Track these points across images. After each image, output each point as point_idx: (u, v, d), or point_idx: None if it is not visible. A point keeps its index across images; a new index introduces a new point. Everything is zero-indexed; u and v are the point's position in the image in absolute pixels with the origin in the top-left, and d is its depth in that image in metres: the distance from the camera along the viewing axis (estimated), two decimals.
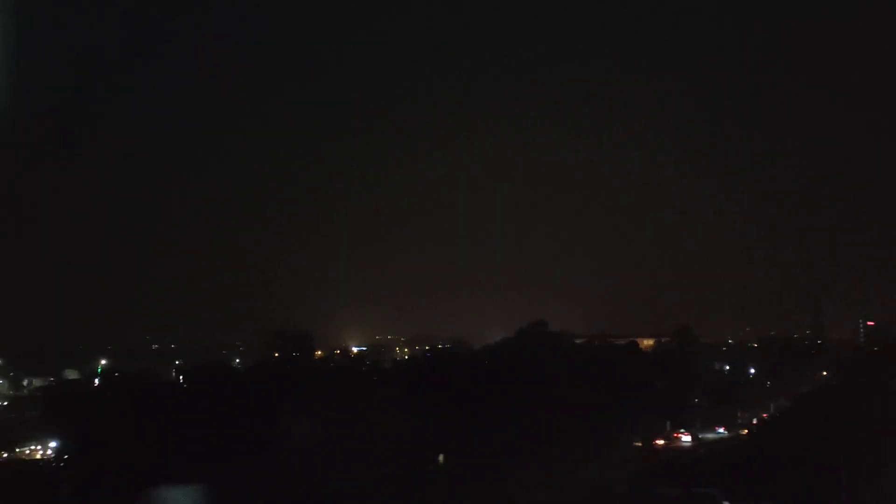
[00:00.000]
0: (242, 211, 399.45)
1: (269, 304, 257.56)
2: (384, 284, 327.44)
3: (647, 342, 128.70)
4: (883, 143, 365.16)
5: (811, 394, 69.03)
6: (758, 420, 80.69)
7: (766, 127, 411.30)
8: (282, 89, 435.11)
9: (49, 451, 77.31)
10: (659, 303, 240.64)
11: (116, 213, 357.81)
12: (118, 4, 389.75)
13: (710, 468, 57.08)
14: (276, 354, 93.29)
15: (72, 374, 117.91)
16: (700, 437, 78.99)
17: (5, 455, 75.66)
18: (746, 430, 74.81)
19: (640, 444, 71.28)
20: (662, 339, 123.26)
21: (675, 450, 72.68)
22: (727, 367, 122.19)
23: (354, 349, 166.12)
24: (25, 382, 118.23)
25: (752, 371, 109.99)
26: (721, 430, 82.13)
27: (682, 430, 78.26)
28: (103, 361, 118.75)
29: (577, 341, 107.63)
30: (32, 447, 78.18)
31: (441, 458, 62.15)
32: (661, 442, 73.99)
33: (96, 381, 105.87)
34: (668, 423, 79.24)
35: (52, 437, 76.68)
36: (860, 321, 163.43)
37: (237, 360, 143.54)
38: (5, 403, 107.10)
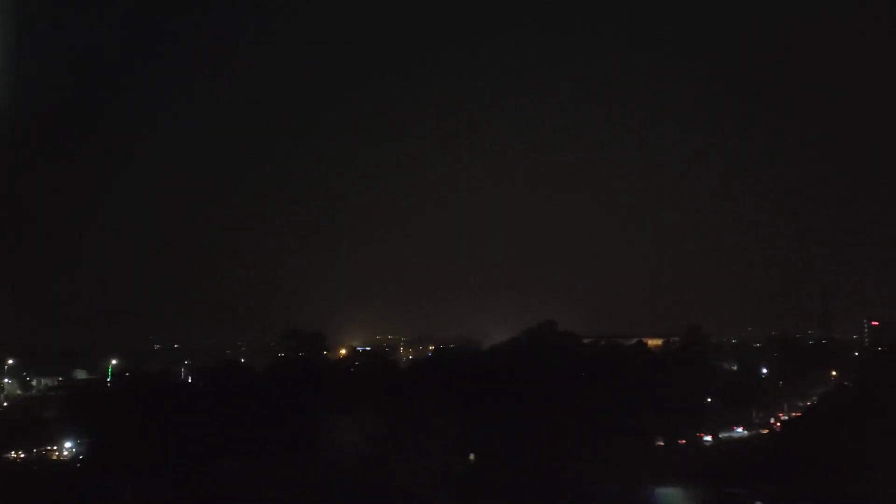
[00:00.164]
0: (242, 211, 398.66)
1: (268, 304, 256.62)
2: (383, 284, 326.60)
3: (655, 342, 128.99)
4: (883, 143, 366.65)
5: (834, 392, 69.24)
6: (775, 420, 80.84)
7: (767, 126, 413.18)
8: (282, 89, 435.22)
9: (65, 452, 77.10)
10: (658, 303, 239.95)
11: (116, 213, 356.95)
12: (118, 4, 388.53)
13: (737, 468, 56.97)
14: (283, 354, 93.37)
15: (81, 375, 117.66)
16: (720, 436, 79.02)
17: (23, 455, 74.89)
18: (767, 430, 74.87)
19: (662, 444, 71.27)
20: (671, 339, 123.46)
21: (697, 450, 72.62)
22: (735, 367, 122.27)
23: (360, 349, 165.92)
24: (34, 382, 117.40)
25: (765, 371, 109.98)
26: (740, 429, 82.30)
27: (702, 430, 78.19)
28: (114, 361, 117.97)
29: (584, 341, 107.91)
30: (49, 447, 77.53)
31: (472, 456, 62.02)
32: (682, 442, 73.98)
33: (108, 381, 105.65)
34: (687, 423, 79.09)
35: (71, 438, 76.67)
36: (864, 321, 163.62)
37: (242, 360, 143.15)
38: (5, 404, 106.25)
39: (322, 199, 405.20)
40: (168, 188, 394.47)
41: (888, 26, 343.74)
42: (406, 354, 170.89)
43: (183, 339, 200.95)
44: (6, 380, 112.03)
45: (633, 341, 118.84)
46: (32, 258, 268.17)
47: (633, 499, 51.67)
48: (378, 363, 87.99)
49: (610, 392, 69.23)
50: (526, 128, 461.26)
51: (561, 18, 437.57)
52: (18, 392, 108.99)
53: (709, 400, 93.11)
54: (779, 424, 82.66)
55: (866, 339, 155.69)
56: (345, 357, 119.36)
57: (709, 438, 77.31)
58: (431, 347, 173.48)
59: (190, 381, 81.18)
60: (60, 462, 73.11)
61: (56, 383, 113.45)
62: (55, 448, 78.04)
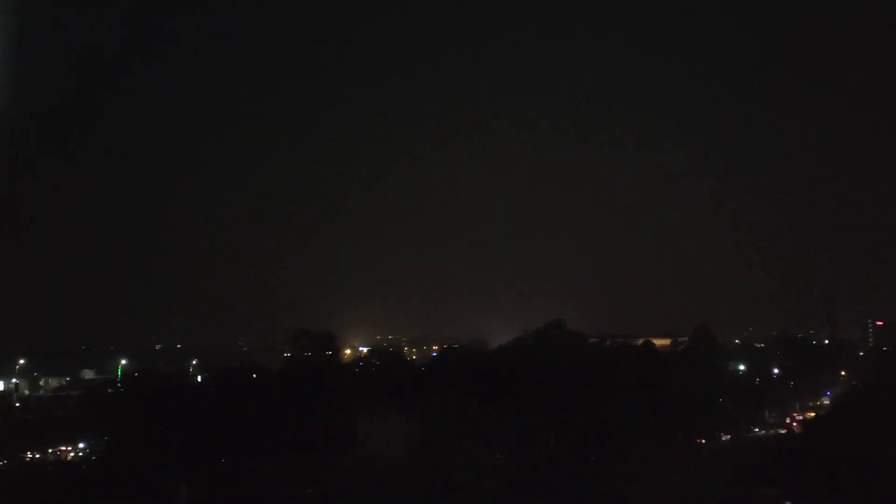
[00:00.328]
0: (242, 211, 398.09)
1: (268, 304, 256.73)
2: (383, 284, 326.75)
3: (662, 342, 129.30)
4: (884, 143, 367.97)
5: (851, 393, 69.42)
6: (790, 419, 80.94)
7: (767, 126, 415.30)
8: (282, 89, 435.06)
9: (80, 453, 76.63)
10: (658, 303, 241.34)
11: (116, 214, 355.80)
12: (118, 4, 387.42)
13: (763, 467, 56.94)
14: (294, 354, 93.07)
15: (88, 374, 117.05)
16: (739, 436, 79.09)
17: (38, 456, 74.40)
18: (785, 430, 74.99)
19: (681, 444, 71.30)
20: (678, 339, 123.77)
21: (719, 450, 72.67)
22: (741, 367, 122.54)
23: (364, 349, 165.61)
24: (41, 382, 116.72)
25: (775, 371, 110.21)
26: (756, 429, 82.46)
27: (720, 430, 78.29)
28: (123, 361, 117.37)
29: (591, 341, 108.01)
30: (64, 447, 77.07)
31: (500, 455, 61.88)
32: (702, 441, 74.08)
33: (119, 381, 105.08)
34: (705, 423, 79.19)
35: (86, 438, 76.27)
36: (869, 321, 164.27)
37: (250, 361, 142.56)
38: (17, 404, 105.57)
39: (322, 199, 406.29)
40: (168, 188, 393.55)
41: (888, 26, 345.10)
42: (409, 354, 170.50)
43: (183, 339, 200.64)
44: (14, 380, 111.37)
45: (640, 341, 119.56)
46: (32, 258, 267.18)
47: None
48: (393, 362, 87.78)
49: (629, 392, 69.50)
50: (526, 128, 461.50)
51: (561, 18, 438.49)
52: (27, 392, 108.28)
53: (720, 400, 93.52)
54: (795, 424, 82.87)
55: (871, 340, 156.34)
56: (354, 357, 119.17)
57: (728, 438, 77.40)
58: (435, 347, 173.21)
59: (206, 381, 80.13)
60: (79, 462, 72.39)
61: (64, 383, 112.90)
62: (70, 448, 77.52)
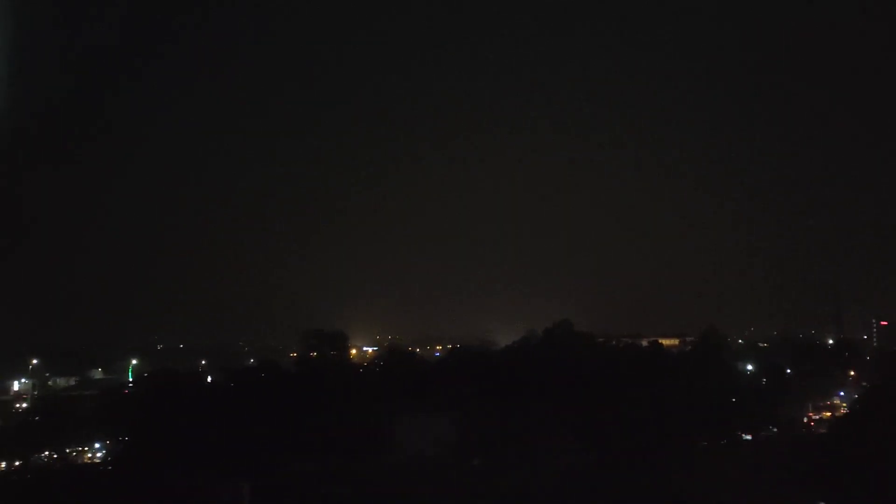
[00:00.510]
0: (242, 211, 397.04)
1: (268, 304, 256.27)
2: (383, 285, 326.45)
3: (670, 342, 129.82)
4: (886, 142, 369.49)
5: (870, 393, 69.44)
6: (808, 419, 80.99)
7: (767, 126, 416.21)
8: (282, 89, 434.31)
9: (98, 454, 76.18)
10: (658, 303, 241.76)
11: (116, 214, 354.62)
12: (118, 4, 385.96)
13: (797, 469, 56.41)
14: (306, 354, 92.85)
15: (97, 374, 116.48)
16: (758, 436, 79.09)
17: (55, 456, 73.88)
18: (805, 430, 75.12)
19: (706, 444, 71.38)
20: (687, 339, 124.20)
21: (742, 450, 72.56)
22: (749, 367, 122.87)
23: (369, 349, 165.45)
24: (49, 382, 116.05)
25: (788, 371, 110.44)
26: (774, 429, 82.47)
27: (739, 430, 78.33)
28: (134, 361, 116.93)
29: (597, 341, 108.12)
30: (81, 448, 76.60)
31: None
32: (723, 441, 74.11)
33: (130, 380, 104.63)
34: (723, 423, 79.27)
35: (102, 438, 75.81)
36: (873, 321, 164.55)
37: (251, 360, 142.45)
38: (24, 405, 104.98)
39: (322, 199, 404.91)
40: (168, 188, 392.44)
41: (888, 26, 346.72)
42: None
43: (184, 339, 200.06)
44: (23, 380, 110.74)
45: (647, 341, 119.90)
46: (31, 258, 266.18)
47: None
48: (414, 362, 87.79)
49: (654, 392, 69.62)
50: (526, 128, 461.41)
51: (561, 18, 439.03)
52: (35, 392, 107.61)
53: (733, 400, 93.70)
54: (812, 423, 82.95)
55: (875, 339, 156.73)
56: (361, 356, 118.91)
57: (748, 437, 77.49)
58: (439, 347, 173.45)
59: (224, 380, 79.66)
60: (99, 463, 71.89)
61: (73, 383, 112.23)
62: (85, 449, 77.04)
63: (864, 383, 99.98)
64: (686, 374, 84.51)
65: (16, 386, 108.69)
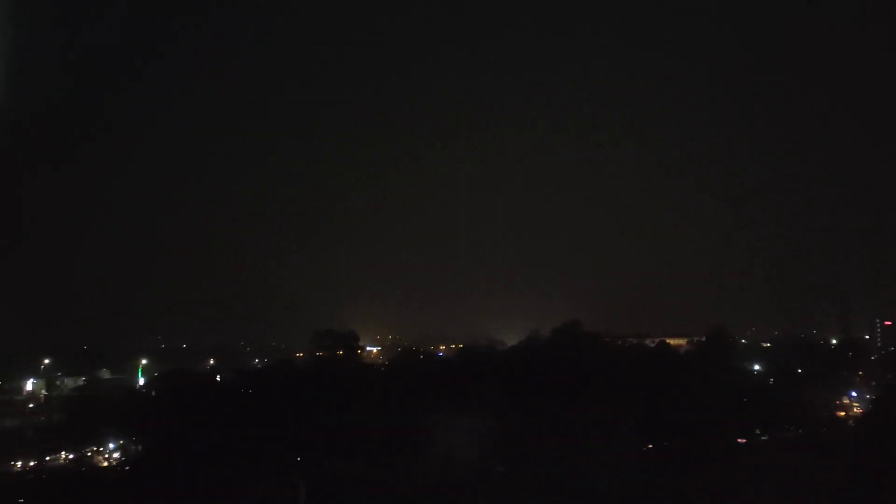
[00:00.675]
0: (242, 211, 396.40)
1: (269, 305, 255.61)
2: (383, 285, 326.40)
3: (676, 342, 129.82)
4: (884, 143, 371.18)
5: (887, 394, 69.42)
6: (823, 419, 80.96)
7: (767, 126, 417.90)
8: (282, 89, 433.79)
9: (111, 453, 75.68)
10: (658, 303, 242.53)
11: (115, 214, 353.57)
12: (118, 4, 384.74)
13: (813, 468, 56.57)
14: (319, 353, 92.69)
15: (105, 374, 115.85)
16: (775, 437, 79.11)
17: (71, 457, 73.39)
18: (825, 429, 75.10)
19: (744, 441, 71.52)
20: (694, 339, 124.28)
21: (762, 450, 72.53)
22: (756, 367, 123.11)
23: (373, 349, 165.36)
24: (57, 382, 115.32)
25: (798, 370, 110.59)
26: (791, 428, 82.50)
27: (755, 429, 78.36)
28: (144, 361, 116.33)
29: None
30: (96, 448, 76.10)
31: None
32: (742, 441, 74.14)
33: (141, 380, 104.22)
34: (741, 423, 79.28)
35: (117, 438, 75.31)
36: (877, 321, 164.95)
37: (256, 360, 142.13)
38: (30, 405, 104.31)
39: (322, 199, 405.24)
40: (168, 188, 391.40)
41: (888, 26, 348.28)
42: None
43: (185, 339, 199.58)
44: (31, 379, 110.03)
45: (654, 341, 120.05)
46: (30, 259, 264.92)
47: None
48: (422, 360, 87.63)
49: (676, 393, 69.69)
50: (526, 128, 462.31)
51: (561, 18, 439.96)
52: (44, 392, 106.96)
53: (744, 399, 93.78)
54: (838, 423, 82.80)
55: (879, 340, 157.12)
56: (370, 356, 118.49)
57: (766, 437, 77.49)
58: (442, 347, 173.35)
59: (242, 379, 79.23)
60: (120, 463, 71.25)
61: (80, 383, 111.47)
62: (101, 449, 76.51)
63: (873, 383, 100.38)
64: (702, 373, 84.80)
65: (29, 386, 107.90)
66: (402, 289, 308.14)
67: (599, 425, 58.54)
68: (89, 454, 75.66)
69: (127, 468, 66.03)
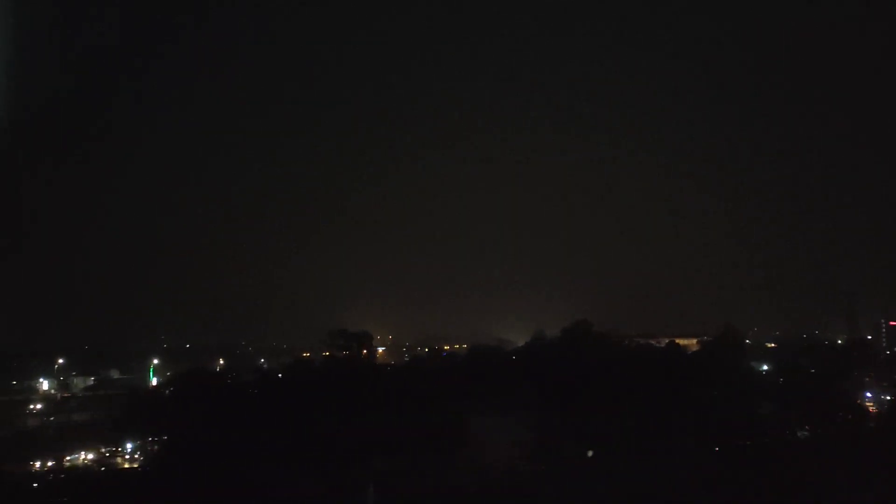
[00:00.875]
0: (242, 211, 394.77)
1: (269, 305, 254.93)
2: (383, 285, 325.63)
3: (685, 342, 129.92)
4: (884, 143, 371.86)
5: None
6: (839, 420, 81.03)
7: (767, 126, 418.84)
8: (282, 89, 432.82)
9: (127, 454, 75.32)
10: (658, 304, 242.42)
11: (115, 214, 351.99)
12: (118, 4, 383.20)
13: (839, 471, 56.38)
14: (328, 353, 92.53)
15: (115, 374, 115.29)
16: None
17: (91, 457, 72.99)
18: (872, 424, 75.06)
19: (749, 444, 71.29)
20: (704, 339, 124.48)
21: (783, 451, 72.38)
22: (765, 367, 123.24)
23: (379, 349, 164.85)
24: (67, 382, 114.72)
25: (811, 371, 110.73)
26: (806, 428, 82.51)
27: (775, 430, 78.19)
28: (155, 361, 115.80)
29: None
30: (115, 448, 75.75)
31: (590, 453, 61.46)
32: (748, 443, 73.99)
33: (153, 380, 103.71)
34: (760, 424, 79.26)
35: (133, 438, 74.96)
36: (882, 321, 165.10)
37: (262, 360, 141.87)
38: (39, 406, 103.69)
39: (322, 199, 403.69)
40: (168, 188, 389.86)
41: (888, 26, 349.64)
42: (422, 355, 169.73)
43: (186, 339, 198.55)
44: (41, 379, 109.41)
45: (662, 341, 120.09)
46: (30, 259, 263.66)
47: None
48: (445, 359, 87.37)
49: (688, 394, 69.64)
50: (526, 128, 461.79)
51: (561, 18, 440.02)
52: (59, 392, 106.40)
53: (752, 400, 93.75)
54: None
55: (885, 340, 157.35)
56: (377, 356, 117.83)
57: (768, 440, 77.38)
58: (447, 347, 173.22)
59: (259, 379, 78.80)
60: (143, 463, 70.85)
61: (90, 383, 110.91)
62: (117, 449, 76.16)
63: (885, 383, 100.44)
64: (717, 372, 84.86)
65: (45, 385, 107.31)
66: (402, 289, 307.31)
67: (648, 427, 58.56)
68: (108, 454, 75.32)
69: (149, 468, 65.71)
